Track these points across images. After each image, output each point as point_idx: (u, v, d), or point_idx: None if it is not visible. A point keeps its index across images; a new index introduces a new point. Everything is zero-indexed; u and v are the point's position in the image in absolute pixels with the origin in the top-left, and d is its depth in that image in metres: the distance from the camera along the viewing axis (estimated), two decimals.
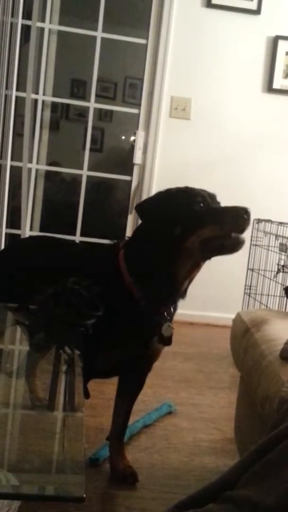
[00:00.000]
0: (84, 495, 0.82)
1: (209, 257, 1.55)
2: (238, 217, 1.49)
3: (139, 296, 1.53)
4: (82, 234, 4.00)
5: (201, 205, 1.51)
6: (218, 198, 1.58)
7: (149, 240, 1.54)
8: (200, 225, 1.49)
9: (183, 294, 1.59)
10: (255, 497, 0.99)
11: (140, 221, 1.67)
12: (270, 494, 0.99)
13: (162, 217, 1.52)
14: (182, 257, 1.51)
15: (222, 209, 1.52)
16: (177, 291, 1.57)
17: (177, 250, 1.50)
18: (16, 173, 3.73)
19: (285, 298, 2.95)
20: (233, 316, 1.95)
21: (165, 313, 1.58)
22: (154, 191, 3.84)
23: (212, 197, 1.56)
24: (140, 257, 1.55)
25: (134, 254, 1.56)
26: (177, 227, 1.49)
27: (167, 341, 1.60)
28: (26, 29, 3.71)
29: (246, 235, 1.51)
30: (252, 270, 3.39)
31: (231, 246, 1.50)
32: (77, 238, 3.99)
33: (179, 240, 1.49)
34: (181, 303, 1.62)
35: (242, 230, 1.50)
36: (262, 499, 0.98)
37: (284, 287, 2.85)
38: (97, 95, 4.09)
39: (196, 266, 1.56)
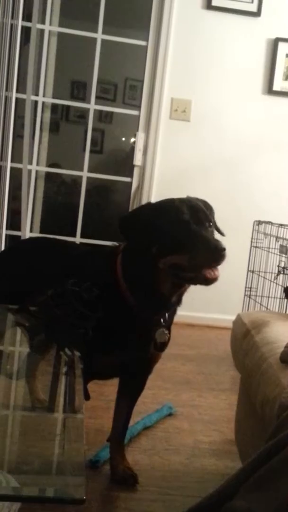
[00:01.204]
0: (84, 497, 0.82)
1: (182, 285, 1.51)
2: (210, 256, 1.40)
3: (132, 302, 1.52)
4: (82, 236, 4.01)
5: (177, 229, 1.43)
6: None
7: (133, 253, 1.53)
8: (167, 251, 1.44)
9: (177, 303, 1.57)
10: (253, 508, 0.99)
11: None
12: (268, 505, 0.98)
13: (139, 235, 1.49)
14: (160, 276, 1.48)
15: (197, 240, 1.41)
16: (164, 303, 1.54)
17: (152, 268, 1.47)
18: (16, 174, 3.73)
19: (286, 300, 2.95)
20: (233, 318, 1.95)
21: (161, 319, 1.55)
22: (154, 192, 3.85)
23: (199, 214, 1.47)
24: (129, 266, 1.54)
25: (127, 262, 1.55)
26: (152, 247, 1.46)
27: (160, 346, 1.58)
28: (26, 31, 3.72)
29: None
30: (253, 272, 3.38)
31: (199, 281, 1.43)
32: (77, 239, 3.99)
33: (153, 260, 1.46)
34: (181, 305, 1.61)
35: (214, 266, 1.41)
36: (260, 510, 0.98)
37: (284, 288, 2.84)
38: (97, 97, 4.10)
39: (180, 286, 1.52)
